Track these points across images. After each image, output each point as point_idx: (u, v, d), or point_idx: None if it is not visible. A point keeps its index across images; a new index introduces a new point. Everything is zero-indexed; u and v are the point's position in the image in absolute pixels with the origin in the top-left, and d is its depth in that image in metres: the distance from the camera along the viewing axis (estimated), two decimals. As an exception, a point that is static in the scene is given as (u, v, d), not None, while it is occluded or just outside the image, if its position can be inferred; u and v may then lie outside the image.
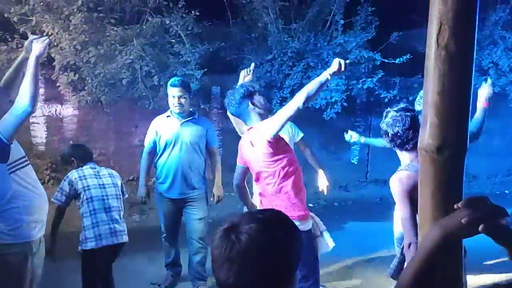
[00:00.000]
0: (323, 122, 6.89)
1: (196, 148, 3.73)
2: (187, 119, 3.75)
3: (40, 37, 2.55)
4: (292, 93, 6.67)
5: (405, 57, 6.48)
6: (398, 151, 2.41)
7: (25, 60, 2.72)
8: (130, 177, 6.61)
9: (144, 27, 5.97)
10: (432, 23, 1.15)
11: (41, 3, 5.55)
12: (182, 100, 3.65)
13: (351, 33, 6.84)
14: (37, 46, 2.46)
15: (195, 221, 3.77)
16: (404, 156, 2.38)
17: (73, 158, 3.33)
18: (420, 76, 7.48)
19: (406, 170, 2.27)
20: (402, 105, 2.41)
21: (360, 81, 6.79)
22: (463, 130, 1.18)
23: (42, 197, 2.69)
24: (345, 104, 6.75)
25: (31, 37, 2.61)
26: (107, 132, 6.68)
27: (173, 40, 6.03)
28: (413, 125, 2.28)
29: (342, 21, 6.70)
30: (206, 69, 5.96)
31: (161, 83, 5.83)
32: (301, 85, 6.63)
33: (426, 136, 1.18)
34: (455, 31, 1.12)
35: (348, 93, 6.81)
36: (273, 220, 1.17)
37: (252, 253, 1.09)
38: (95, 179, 3.22)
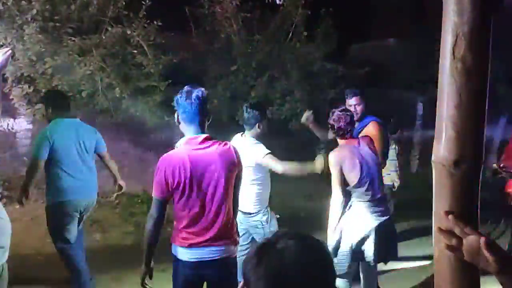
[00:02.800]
0: (289, 132, 6.93)
1: None
2: None
3: (3, 48, 2.37)
4: (257, 104, 6.66)
5: (365, 68, 6.66)
6: (338, 139, 3.39)
7: None
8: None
9: (104, 37, 5.75)
10: (446, 35, 1.14)
11: (-9, 11, 5.23)
12: None
13: (313, 45, 6.95)
14: None
15: None
16: (341, 142, 3.36)
17: None
18: (380, 87, 7.74)
19: (338, 150, 3.32)
20: (342, 107, 3.44)
21: (324, 92, 6.89)
22: (480, 143, 1.17)
23: (5, 221, 2.50)
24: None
25: None
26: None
27: (135, 51, 5.85)
28: (351, 121, 3.32)
29: (304, 33, 6.79)
30: (170, 81, 5.83)
31: (123, 95, 5.63)
32: (266, 96, 6.65)
33: (442, 150, 1.16)
34: (471, 43, 1.12)
35: (312, 103, 6.89)
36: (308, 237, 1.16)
37: (296, 266, 1.05)
38: None
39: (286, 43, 7.06)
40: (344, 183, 3.24)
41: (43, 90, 5.28)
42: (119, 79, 5.66)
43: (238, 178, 2.53)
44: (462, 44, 1.11)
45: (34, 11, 5.24)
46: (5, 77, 5.38)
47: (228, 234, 2.46)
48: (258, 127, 3.43)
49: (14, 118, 6.08)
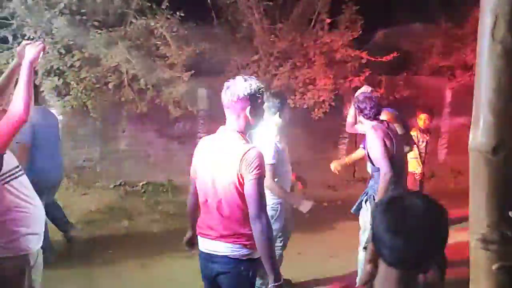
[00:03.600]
0: (311, 122, 6.90)
1: None
2: None
3: (35, 41, 2.45)
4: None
5: (392, 54, 6.54)
6: (362, 119, 3.64)
7: (17, 66, 2.63)
8: (117, 183, 6.49)
9: (128, 30, 5.84)
10: (485, 16, 1.08)
11: (22, 6, 5.36)
12: None
13: (337, 32, 6.86)
14: (31, 51, 2.37)
15: None
16: (366, 122, 3.61)
17: None
18: (405, 74, 7.60)
19: (376, 126, 3.53)
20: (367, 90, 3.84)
21: (347, 80, 6.81)
22: (520, 129, 1.08)
23: (38, 208, 2.60)
24: (332, 103, 6.77)
25: (23, 42, 2.51)
26: (92, 138, 6.52)
27: (159, 42, 5.92)
28: (377, 104, 3.60)
29: (327, 20, 6.70)
30: (193, 71, 5.87)
31: (148, 86, 5.72)
32: (288, 86, 6.62)
33: (479, 136, 1.11)
34: (512, 24, 1.02)
35: (336, 92, 6.83)
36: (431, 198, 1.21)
37: (419, 223, 1.13)
38: None
39: (309, 31, 6.99)
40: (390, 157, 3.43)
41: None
42: (144, 70, 5.74)
43: (249, 185, 2.20)
44: (502, 25, 1.05)
45: (62, 5, 5.37)
46: (36, 70, 5.54)
47: (236, 234, 2.31)
48: (279, 116, 3.44)
49: (45, 109, 6.25)
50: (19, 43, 5.31)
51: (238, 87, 2.24)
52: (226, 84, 2.29)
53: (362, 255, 3.69)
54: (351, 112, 4.08)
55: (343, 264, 4.32)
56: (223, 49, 6.65)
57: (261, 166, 2.19)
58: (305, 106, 6.69)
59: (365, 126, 3.68)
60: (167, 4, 5.91)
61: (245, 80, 2.26)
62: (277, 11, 6.90)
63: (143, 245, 4.90)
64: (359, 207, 3.78)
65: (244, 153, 2.18)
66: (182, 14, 5.95)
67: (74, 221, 5.39)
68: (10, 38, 5.46)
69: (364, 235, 3.72)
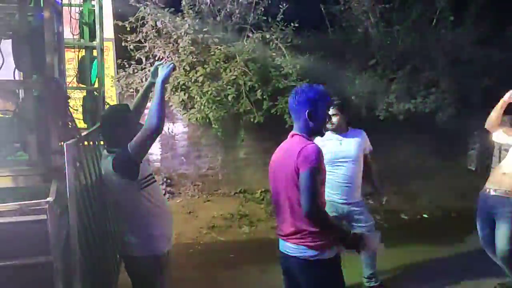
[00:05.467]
0: (435, 127, 6.46)
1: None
2: None
3: (166, 62, 2.69)
4: (397, 98, 6.35)
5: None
6: None
7: (151, 85, 2.90)
8: (237, 190, 6.79)
9: (246, 44, 6.12)
10: None
11: (153, 30, 5.99)
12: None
13: (461, 30, 6.35)
14: (163, 71, 2.59)
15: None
16: None
17: None
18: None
19: None
20: None
21: (475, 81, 6.25)
22: None
23: (168, 213, 2.82)
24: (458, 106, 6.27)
25: (156, 63, 2.79)
26: (214, 147, 6.94)
27: (274, 54, 6.10)
28: None
29: (451, 18, 6.24)
30: (308, 80, 5.91)
31: (264, 97, 5.91)
32: (408, 89, 6.30)
33: None
34: None
35: (462, 93, 6.31)
36: None
37: None
38: None
39: (430, 31, 6.59)
40: None
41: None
42: (260, 81, 5.95)
43: (301, 177, 2.26)
44: None
45: (186, 26, 5.84)
46: (165, 87, 6.10)
47: (300, 233, 2.34)
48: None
49: (173, 122, 6.86)
50: (151, 63, 5.96)
51: (299, 92, 2.40)
52: (293, 90, 2.46)
53: None
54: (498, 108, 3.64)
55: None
56: (338, 56, 6.60)
57: (316, 160, 2.24)
58: (426, 110, 6.29)
59: None
60: (282, 16, 6.07)
61: (308, 87, 2.40)
62: (394, 14, 6.64)
63: (263, 251, 5.02)
64: None
65: (301, 148, 2.28)
66: (297, 25, 6.07)
67: (199, 226, 5.79)
68: (143, 59, 6.10)
69: None
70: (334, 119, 3.70)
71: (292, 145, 2.39)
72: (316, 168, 2.24)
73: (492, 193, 3.61)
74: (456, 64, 6.37)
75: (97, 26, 4.18)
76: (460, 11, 6.47)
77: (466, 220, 5.91)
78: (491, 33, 6.29)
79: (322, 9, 6.78)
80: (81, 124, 3.98)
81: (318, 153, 2.27)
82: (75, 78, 4.25)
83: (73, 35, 4.19)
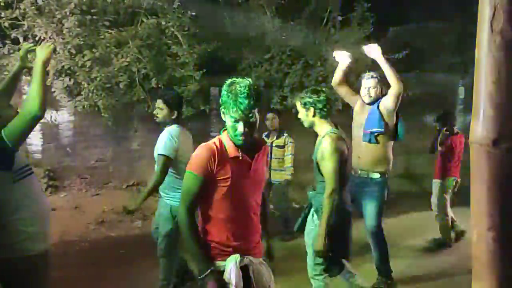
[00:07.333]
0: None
1: None
2: None
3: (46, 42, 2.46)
4: (292, 92, 6.59)
5: (404, 52, 6.45)
6: None
7: (21, 70, 2.70)
8: (130, 183, 6.50)
9: (140, 29, 5.84)
10: (484, 7, 1.08)
11: (32, 7, 5.40)
12: None
13: (349, 30, 6.79)
14: (42, 52, 2.40)
15: None
16: None
17: None
18: (417, 71, 7.48)
19: None
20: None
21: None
22: (521, 122, 1.10)
23: (46, 208, 2.58)
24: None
25: (24, 46, 2.61)
26: (104, 138, 6.54)
27: (170, 42, 5.92)
28: None
29: (339, 18, 6.65)
30: (204, 70, 5.85)
31: (159, 86, 5.71)
32: (301, 83, 6.57)
33: (480, 129, 1.11)
34: (511, 15, 1.05)
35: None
36: None
37: None
38: None
39: (321, 29, 6.93)
40: None
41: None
42: (155, 69, 5.73)
43: None
44: (501, 17, 1.05)
45: (72, 5, 5.37)
46: (47, 70, 5.56)
47: None
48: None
49: (57, 110, 6.29)
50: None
51: None
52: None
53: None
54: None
55: None
56: (235, 47, 6.62)
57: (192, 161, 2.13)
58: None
59: None
60: (178, 3, 5.89)
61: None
62: (289, 10, 6.86)
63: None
64: None
65: None
66: (194, 13, 5.94)
67: (87, 222, 5.43)
68: (21, 39, 5.47)
69: None
70: None
71: None
72: (189, 169, 2.14)
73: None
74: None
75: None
76: (348, 12, 6.90)
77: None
78: (374, 33, 6.81)
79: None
80: None
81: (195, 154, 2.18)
82: None
83: None
